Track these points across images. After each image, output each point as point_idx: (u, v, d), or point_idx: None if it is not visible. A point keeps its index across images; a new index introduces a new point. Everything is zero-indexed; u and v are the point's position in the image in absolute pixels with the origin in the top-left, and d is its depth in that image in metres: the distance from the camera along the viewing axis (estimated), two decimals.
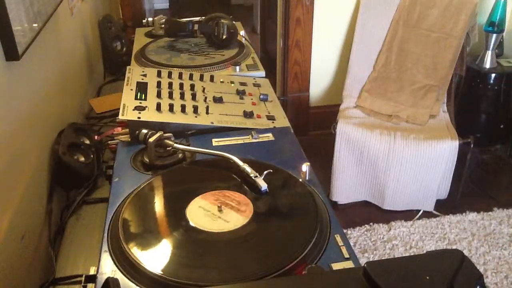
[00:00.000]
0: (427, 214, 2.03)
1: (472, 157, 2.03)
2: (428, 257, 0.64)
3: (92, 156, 1.26)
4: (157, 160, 1.01)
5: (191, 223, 0.81)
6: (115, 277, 0.70)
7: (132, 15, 2.55)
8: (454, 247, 1.87)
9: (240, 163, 0.94)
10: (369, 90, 2.22)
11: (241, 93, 1.31)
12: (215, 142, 1.08)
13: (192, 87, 1.29)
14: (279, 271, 0.71)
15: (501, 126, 2.37)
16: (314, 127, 2.58)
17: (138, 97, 1.20)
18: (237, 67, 1.47)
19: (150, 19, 1.93)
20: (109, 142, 1.29)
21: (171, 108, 1.16)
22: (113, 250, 0.77)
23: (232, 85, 1.36)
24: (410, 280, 0.59)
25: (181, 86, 1.29)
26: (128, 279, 0.72)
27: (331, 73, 2.53)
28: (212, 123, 1.14)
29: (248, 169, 0.92)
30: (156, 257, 0.75)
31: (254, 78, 1.43)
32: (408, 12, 2.21)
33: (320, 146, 2.20)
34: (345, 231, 1.05)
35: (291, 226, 0.83)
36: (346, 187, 2.05)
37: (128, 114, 1.12)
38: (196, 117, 1.15)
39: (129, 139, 1.12)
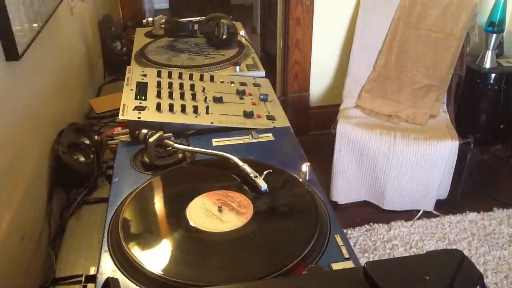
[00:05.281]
0: (427, 214, 2.03)
1: (472, 157, 2.03)
2: (428, 257, 0.64)
3: (92, 156, 1.25)
4: (157, 160, 1.01)
5: (191, 223, 0.81)
6: (115, 277, 0.70)
7: (132, 15, 2.55)
8: (454, 247, 1.87)
9: (240, 163, 0.94)
10: (369, 90, 2.22)
11: (241, 93, 1.31)
12: (215, 142, 1.08)
13: (192, 87, 1.29)
14: (279, 271, 0.71)
15: (501, 126, 2.37)
16: (314, 127, 2.58)
17: (138, 97, 1.20)
18: (237, 67, 1.47)
19: (150, 19, 1.93)
20: (109, 142, 1.29)
21: (171, 108, 1.16)
22: (113, 250, 0.77)
23: (232, 85, 1.36)
24: (410, 280, 0.59)
25: (181, 86, 1.29)
26: (128, 279, 0.72)
27: (331, 73, 2.53)
28: (212, 123, 1.14)
29: (248, 169, 0.92)
30: (156, 257, 0.75)
31: (254, 78, 1.43)
32: (408, 12, 2.21)
33: (320, 146, 2.20)
34: (345, 231, 1.05)
35: (291, 226, 0.83)
36: (346, 187, 2.05)
37: (128, 114, 1.12)
38: (196, 117, 1.15)
39: (129, 139, 1.12)
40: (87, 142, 1.29)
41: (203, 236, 0.78)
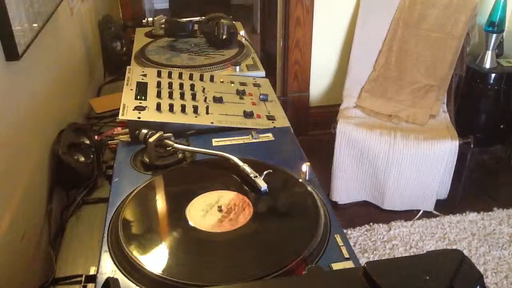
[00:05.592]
0: (427, 214, 2.03)
1: (472, 157, 2.03)
2: (428, 257, 0.64)
3: (92, 156, 1.26)
4: (157, 160, 1.01)
5: (191, 223, 0.81)
6: (115, 277, 0.70)
7: (132, 15, 2.54)
8: (454, 247, 1.87)
9: (240, 163, 0.94)
10: (369, 90, 2.22)
11: (241, 93, 1.31)
12: (215, 142, 1.08)
13: (192, 87, 1.29)
14: (279, 271, 0.71)
15: (501, 126, 2.36)
16: (314, 127, 2.58)
17: (138, 97, 1.20)
18: (237, 67, 1.47)
19: (150, 19, 1.93)
20: (109, 142, 1.29)
21: (171, 108, 1.16)
22: (113, 250, 0.77)
23: (232, 85, 1.36)
24: (410, 280, 0.59)
25: (181, 86, 1.29)
26: (128, 279, 0.72)
27: (331, 73, 2.53)
28: (212, 123, 1.14)
29: (247, 169, 0.92)
30: (156, 257, 0.75)
31: (254, 78, 1.43)
32: (408, 12, 2.21)
33: (320, 146, 2.20)
34: (345, 231, 1.05)
35: (291, 226, 0.83)
36: (346, 187, 2.05)
37: (128, 114, 1.12)
38: (196, 117, 1.15)
39: (129, 139, 1.12)
40: (87, 142, 1.29)
41: (203, 236, 0.78)
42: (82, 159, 1.23)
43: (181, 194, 0.90)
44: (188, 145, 1.05)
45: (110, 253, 0.77)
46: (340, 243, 0.78)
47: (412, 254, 1.82)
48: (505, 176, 2.33)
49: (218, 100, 1.25)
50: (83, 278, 0.78)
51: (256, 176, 0.90)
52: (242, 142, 1.08)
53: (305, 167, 0.94)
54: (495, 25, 2.20)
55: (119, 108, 1.14)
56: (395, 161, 1.93)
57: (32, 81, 1.15)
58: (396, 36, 2.22)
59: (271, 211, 0.86)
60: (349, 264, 0.74)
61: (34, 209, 1.08)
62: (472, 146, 1.96)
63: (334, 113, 2.14)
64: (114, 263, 0.75)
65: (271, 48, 3.03)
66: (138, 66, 1.52)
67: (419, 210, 2.05)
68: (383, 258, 1.79)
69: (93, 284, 0.74)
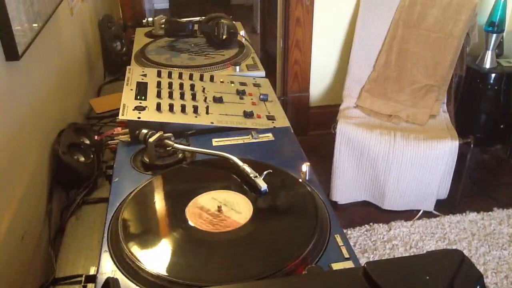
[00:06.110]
0: (427, 214, 2.03)
1: (472, 157, 2.03)
2: (428, 257, 0.64)
3: (92, 156, 1.26)
4: (157, 160, 1.01)
5: (191, 223, 0.81)
6: (115, 277, 0.70)
7: (132, 15, 2.55)
8: (454, 247, 1.87)
9: (240, 163, 0.94)
10: (369, 90, 2.22)
11: (241, 93, 1.31)
12: (215, 142, 1.08)
13: (192, 87, 1.30)
14: (279, 271, 0.71)
15: (501, 126, 2.37)
16: (314, 127, 2.58)
17: (138, 97, 1.20)
18: (237, 67, 1.47)
19: (150, 19, 1.93)
20: (109, 142, 1.29)
21: (171, 108, 1.16)
22: (113, 250, 0.77)
23: (232, 85, 1.36)
24: (410, 280, 0.59)
25: (181, 86, 1.30)
26: (128, 279, 0.72)
27: (331, 73, 2.53)
28: (212, 123, 1.14)
29: (247, 169, 0.92)
30: (156, 257, 0.75)
31: (254, 78, 1.43)
32: (408, 12, 2.21)
33: (320, 146, 2.20)
34: (345, 231, 1.05)
35: (291, 226, 0.83)
36: (346, 187, 2.05)
37: (128, 114, 1.12)
38: (196, 117, 1.15)
39: (129, 139, 1.12)
40: (87, 142, 1.29)
41: (203, 236, 0.78)
42: (82, 159, 1.23)
43: (181, 194, 0.90)
44: (188, 145, 1.05)
45: (110, 253, 0.77)
46: (340, 243, 0.78)
47: (412, 254, 1.82)
48: (505, 176, 2.33)
49: (218, 100, 1.25)
50: (83, 278, 0.78)
51: (256, 176, 0.90)
52: (242, 142, 1.08)
53: (305, 167, 0.94)
54: (495, 25, 2.20)
55: (119, 108, 1.14)
56: (395, 161, 1.93)
57: (32, 81, 1.15)
58: (396, 36, 2.22)
59: (271, 211, 0.86)
60: (349, 264, 0.74)
61: (34, 209, 1.08)
62: (472, 146, 1.96)
63: (334, 113, 2.14)
64: (114, 263, 0.75)
65: (271, 48, 3.03)
66: (138, 66, 1.52)
67: (419, 210, 2.05)
68: (383, 258, 1.79)
69: (93, 284, 0.74)
